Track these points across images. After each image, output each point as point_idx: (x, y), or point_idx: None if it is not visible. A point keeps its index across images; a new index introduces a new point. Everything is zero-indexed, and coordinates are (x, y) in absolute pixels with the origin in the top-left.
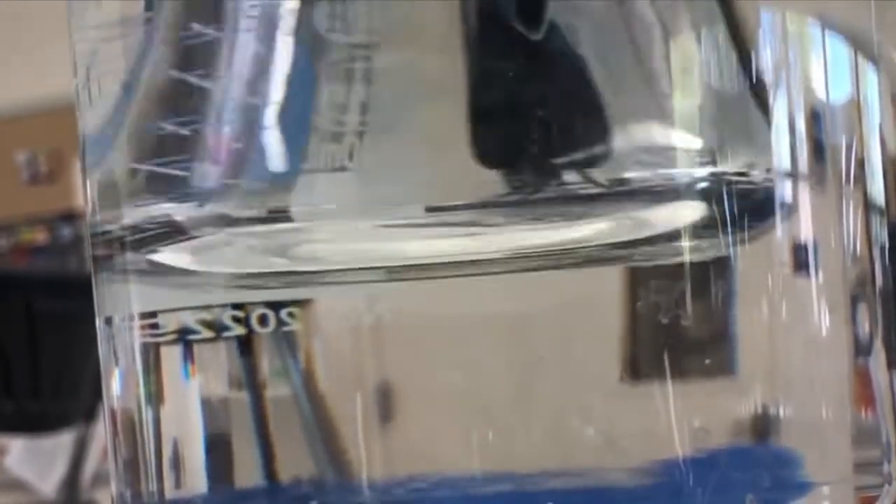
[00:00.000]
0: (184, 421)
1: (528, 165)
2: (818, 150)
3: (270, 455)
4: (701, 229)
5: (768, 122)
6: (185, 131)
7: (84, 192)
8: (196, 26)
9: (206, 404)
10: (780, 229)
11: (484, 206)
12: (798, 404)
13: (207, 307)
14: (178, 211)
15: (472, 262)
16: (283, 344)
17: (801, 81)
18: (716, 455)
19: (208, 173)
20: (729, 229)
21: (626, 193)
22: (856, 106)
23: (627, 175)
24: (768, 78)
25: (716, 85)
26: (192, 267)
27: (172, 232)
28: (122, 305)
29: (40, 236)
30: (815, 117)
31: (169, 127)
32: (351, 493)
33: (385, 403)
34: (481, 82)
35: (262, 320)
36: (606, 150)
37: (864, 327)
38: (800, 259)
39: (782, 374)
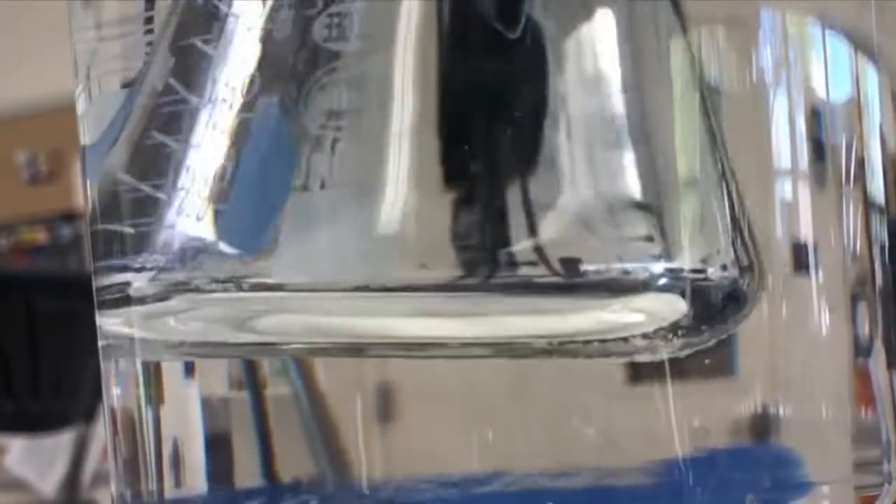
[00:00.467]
0: (184, 421)
1: (485, 250)
2: (818, 149)
3: (270, 455)
4: (656, 326)
5: (726, 216)
6: (156, 193)
7: (84, 196)
8: (173, 89)
9: (206, 404)
10: (779, 230)
11: (439, 289)
12: (798, 404)
13: None
14: (136, 278)
15: (429, 346)
16: None
17: (801, 81)
18: (716, 455)
19: (172, 237)
20: (684, 327)
21: (582, 286)
22: (856, 105)
23: (584, 267)
24: (768, 78)
25: (669, 181)
26: (143, 335)
27: (126, 298)
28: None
29: (40, 236)
30: (816, 117)
31: (145, 188)
32: (351, 493)
33: (385, 403)
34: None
35: None
36: (562, 241)
37: (864, 327)
38: (800, 259)
39: (782, 374)
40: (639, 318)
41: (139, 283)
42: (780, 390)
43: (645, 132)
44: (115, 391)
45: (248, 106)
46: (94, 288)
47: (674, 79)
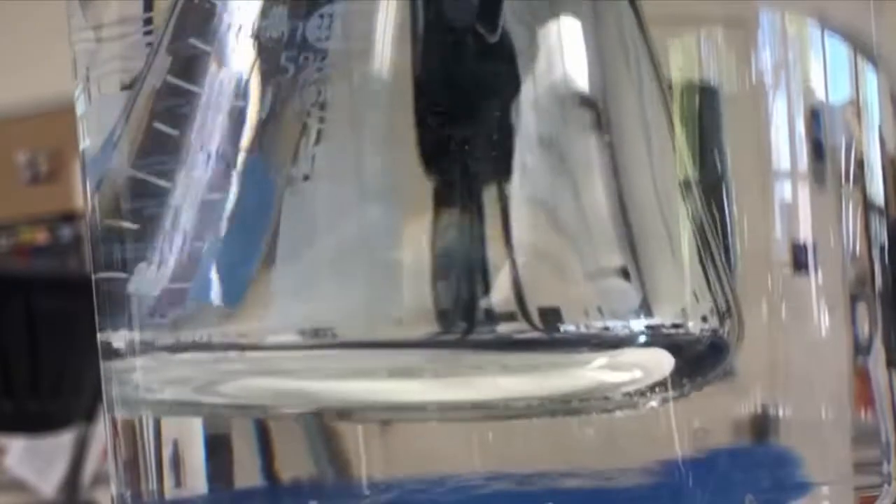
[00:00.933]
0: (184, 421)
1: (462, 306)
2: (818, 150)
3: (270, 455)
4: (646, 383)
5: (701, 263)
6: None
7: (84, 195)
8: (159, 127)
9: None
10: (779, 230)
11: (417, 345)
12: (798, 404)
13: None
14: (115, 336)
15: (408, 409)
16: None
17: (801, 82)
18: (716, 455)
19: (153, 282)
20: (664, 383)
21: (562, 342)
22: (855, 106)
23: (564, 324)
24: (768, 79)
25: (643, 232)
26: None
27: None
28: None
29: (40, 236)
30: (815, 118)
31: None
32: (351, 494)
33: None
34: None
35: None
36: (539, 294)
37: (864, 327)
38: (800, 259)
39: (782, 374)
40: (627, 374)
41: (119, 339)
42: (780, 390)
43: (617, 182)
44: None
45: (227, 158)
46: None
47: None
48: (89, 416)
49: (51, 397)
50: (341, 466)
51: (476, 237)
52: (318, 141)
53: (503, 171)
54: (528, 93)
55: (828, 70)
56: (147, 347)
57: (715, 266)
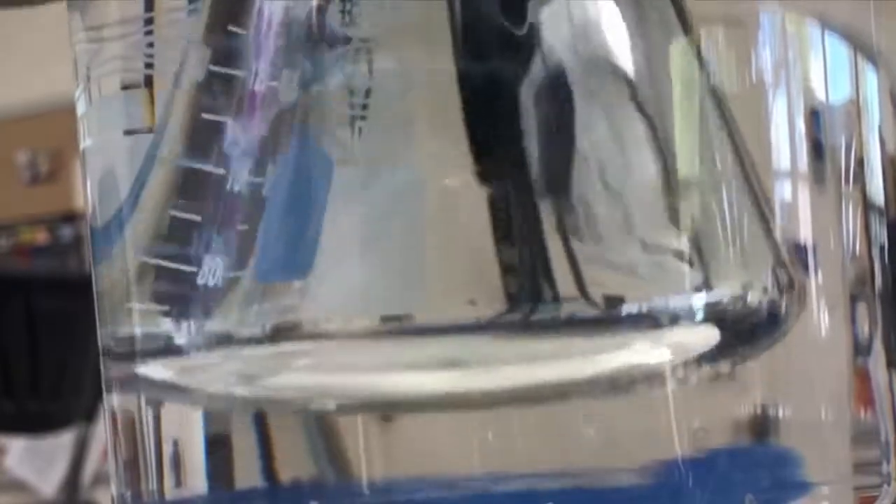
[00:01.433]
0: (184, 421)
1: (528, 286)
2: (817, 150)
3: (270, 455)
4: (698, 356)
5: (762, 235)
6: (194, 217)
7: (84, 196)
8: (206, 112)
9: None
10: (779, 230)
11: (477, 328)
12: (798, 404)
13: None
14: (176, 328)
15: (456, 400)
16: None
17: (801, 81)
18: (715, 455)
19: (216, 265)
20: (726, 354)
21: (623, 320)
22: (855, 106)
23: (623, 303)
24: (768, 78)
25: (712, 211)
26: (181, 383)
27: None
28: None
29: (40, 236)
30: (815, 117)
31: (180, 215)
32: (351, 494)
33: None
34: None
35: None
36: (604, 276)
37: (864, 327)
38: (800, 259)
39: (782, 374)
40: (667, 352)
41: (182, 334)
42: (780, 390)
43: (673, 160)
44: (116, 391)
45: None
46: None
47: (688, 93)
48: (89, 416)
49: (51, 397)
50: (341, 466)
51: (533, 219)
52: (361, 125)
53: (559, 156)
54: (576, 75)
55: (828, 70)
56: (212, 341)
57: (773, 238)
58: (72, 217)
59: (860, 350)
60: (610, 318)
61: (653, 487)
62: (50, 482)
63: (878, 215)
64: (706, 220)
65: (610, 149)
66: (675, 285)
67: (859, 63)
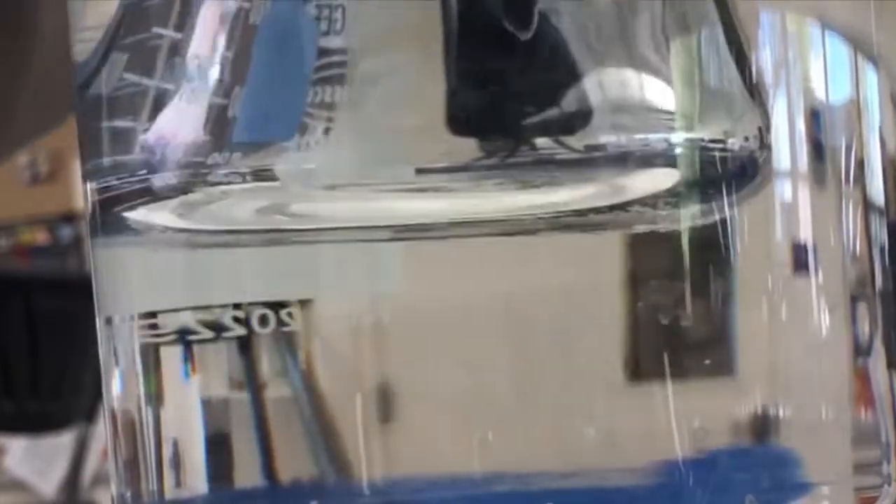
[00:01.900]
0: (184, 421)
1: (501, 130)
2: (818, 150)
3: (270, 455)
4: (677, 196)
5: (750, 93)
6: (164, 85)
7: (84, 196)
8: None
9: (206, 404)
10: (779, 230)
11: (462, 169)
12: (798, 404)
13: (208, 307)
14: (157, 178)
15: (463, 224)
16: (283, 344)
17: (801, 81)
18: (716, 455)
19: (190, 136)
20: (705, 196)
21: (601, 159)
22: (855, 106)
23: (602, 140)
24: (768, 78)
25: (695, 53)
26: (178, 225)
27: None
28: (124, 305)
29: (40, 236)
30: (815, 117)
31: (148, 82)
32: (351, 493)
33: (385, 403)
34: (457, 50)
35: (263, 320)
36: (581, 115)
37: (864, 327)
38: (800, 259)
39: (782, 374)
40: (659, 186)
41: (161, 178)
42: (780, 391)
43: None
44: (115, 386)
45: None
46: (94, 187)
47: None
48: (89, 416)
49: (51, 397)
50: (341, 466)
51: (520, 66)
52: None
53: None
54: None
55: (828, 70)
56: (201, 181)
57: (759, 96)
58: (72, 217)
59: (860, 350)
60: (588, 158)
61: (653, 487)
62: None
63: (878, 215)
64: (693, 64)
65: None
66: (657, 124)
67: (859, 63)
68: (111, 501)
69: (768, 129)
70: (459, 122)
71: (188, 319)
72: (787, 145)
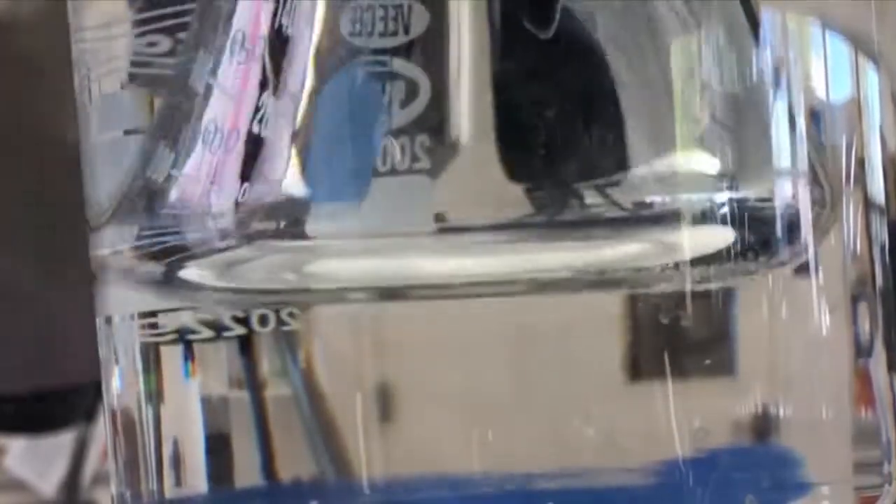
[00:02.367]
0: (184, 420)
1: (551, 186)
2: (818, 150)
3: (270, 455)
4: (722, 255)
5: (800, 155)
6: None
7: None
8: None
9: (206, 404)
10: (779, 229)
11: (505, 227)
12: (798, 404)
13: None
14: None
15: (490, 284)
16: (283, 344)
17: (801, 81)
18: (716, 455)
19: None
20: (750, 255)
21: (649, 218)
22: (856, 106)
23: (649, 199)
24: (768, 78)
25: (738, 109)
26: (217, 284)
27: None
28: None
29: None
30: (815, 117)
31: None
32: (351, 493)
33: (385, 403)
34: (504, 102)
35: (263, 320)
36: (627, 173)
37: (865, 327)
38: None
39: (782, 374)
40: (705, 246)
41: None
42: (780, 390)
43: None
44: (115, 386)
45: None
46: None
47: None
48: (89, 416)
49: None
50: (341, 466)
51: (566, 122)
52: None
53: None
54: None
55: (828, 69)
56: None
57: (805, 152)
58: None
59: (861, 350)
60: (634, 217)
61: (653, 487)
62: (50, 482)
63: (878, 215)
64: (737, 120)
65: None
66: (702, 183)
67: (860, 63)
68: (111, 501)
69: (818, 185)
70: (512, 169)
71: (188, 319)
72: (787, 144)
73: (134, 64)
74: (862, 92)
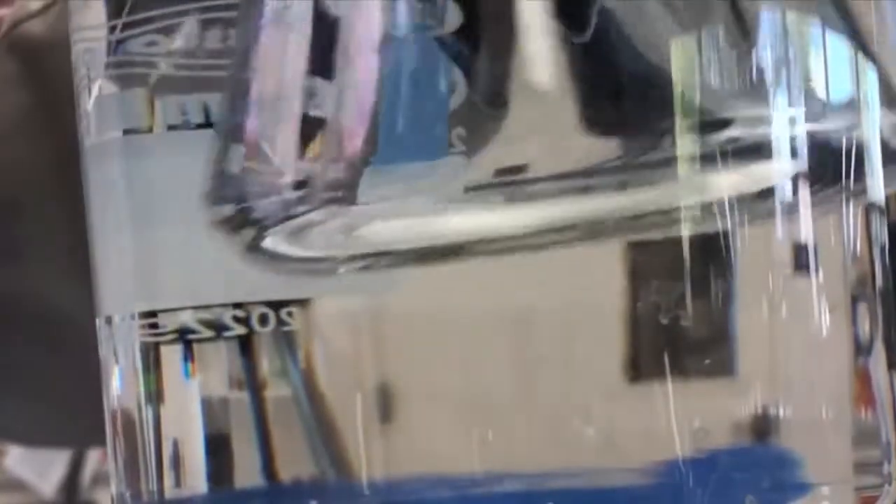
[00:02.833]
0: (184, 420)
1: (634, 129)
2: (818, 149)
3: (270, 455)
4: (798, 186)
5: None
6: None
7: (84, 193)
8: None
9: (206, 404)
10: (779, 229)
11: (589, 173)
12: (798, 404)
13: (207, 306)
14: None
15: (551, 231)
16: (283, 344)
17: (801, 81)
18: (716, 455)
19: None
20: (829, 185)
21: (728, 153)
22: (856, 105)
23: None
24: (768, 77)
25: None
26: (290, 252)
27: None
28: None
29: None
30: (815, 117)
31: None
32: (351, 493)
33: (385, 403)
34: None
35: (263, 320)
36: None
37: (865, 327)
38: (800, 259)
39: (782, 374)
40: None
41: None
42: (780, 390)
43: None
44: (115, 386)
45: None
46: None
47: None
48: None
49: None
50: (341, 466)
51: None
52: None
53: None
54: None
55: (828, 69)
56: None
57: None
58: None
59: (861, 350)
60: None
61: (653, 487)
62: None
63: (878, 215)
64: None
65: None
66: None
67: (860, 62)
68: (111, 501)
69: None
70: (598, 120)
71: (188, 318)
72: (787, 144)
73: (134, 64)
74: (862, 92)
